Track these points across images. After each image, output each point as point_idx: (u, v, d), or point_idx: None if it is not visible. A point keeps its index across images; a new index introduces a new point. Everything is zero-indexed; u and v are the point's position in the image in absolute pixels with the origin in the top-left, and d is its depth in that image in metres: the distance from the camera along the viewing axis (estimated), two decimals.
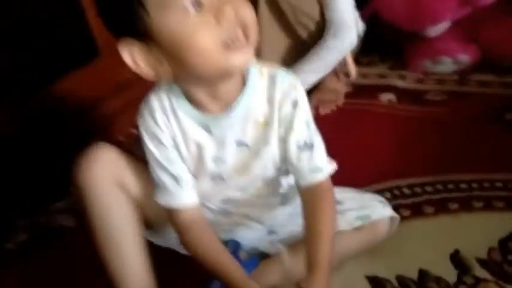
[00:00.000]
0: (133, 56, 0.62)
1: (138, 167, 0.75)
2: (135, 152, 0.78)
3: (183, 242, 0.74)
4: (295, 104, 0.68)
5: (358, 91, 1.40)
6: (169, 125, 0.69)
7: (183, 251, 0.79)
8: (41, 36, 1.11)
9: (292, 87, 0.69)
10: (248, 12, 0.60)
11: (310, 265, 0.65)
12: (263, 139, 0.70)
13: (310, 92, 1.34)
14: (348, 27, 1.22)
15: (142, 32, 0.59)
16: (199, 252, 0.72)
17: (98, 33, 1.19)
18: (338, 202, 0.78)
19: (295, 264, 0.74)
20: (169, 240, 0.82)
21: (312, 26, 1.26)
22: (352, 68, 1.35)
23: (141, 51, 0.61)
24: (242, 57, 0.60)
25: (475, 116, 1.20)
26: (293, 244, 0.78)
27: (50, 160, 1.13)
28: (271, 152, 0.71)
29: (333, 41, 1.21)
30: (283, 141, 0.70)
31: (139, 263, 0.74)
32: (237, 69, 0.63)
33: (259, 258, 0.80)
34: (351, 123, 1.25)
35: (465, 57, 1.40)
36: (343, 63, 1.32)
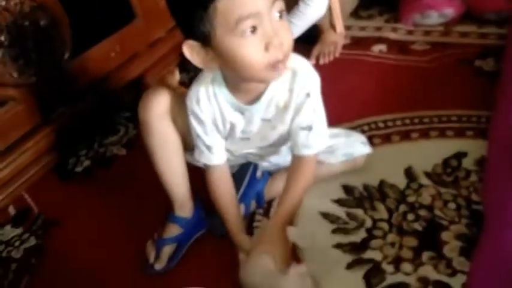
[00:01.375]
0: (192, 52, 0.75)
1: (182, 104, 0.89)
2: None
3: (209, 188, 0.94)
4: (308, 95, 0.83)
5: (354, 43, 1.59)
6: (211, 108, 0.86)
7: None
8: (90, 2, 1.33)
9: (308, 80, 0.83)
10: (290, 41, 0.74)
11: (276, 211, 0.89)
12: (280, 119, 0.87)
13: (313, 43, 1.56)
14: None
15: (205, 41, 0.73)
16: (218, 199, 0.94)
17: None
18: (330, 145, 0.99)
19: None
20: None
21: None
22: (339, 24, 1.52)
23: (200, 52, 0.75)
24: (278, 74, 0.76)
25: (450, 62, 1.38)
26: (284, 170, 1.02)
27: (99, 104, 1.38)
28: (285, 128, 0.89)
29: (305, 8, 1.38)
30: (292, 120, 0.87)
31: (183, 174, 0.97)
32: (273, 81, 0.80)
33: (269, 175, 1.07)
34: (344, 71, 1.45)
35: (450, 11, 1.55)
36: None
